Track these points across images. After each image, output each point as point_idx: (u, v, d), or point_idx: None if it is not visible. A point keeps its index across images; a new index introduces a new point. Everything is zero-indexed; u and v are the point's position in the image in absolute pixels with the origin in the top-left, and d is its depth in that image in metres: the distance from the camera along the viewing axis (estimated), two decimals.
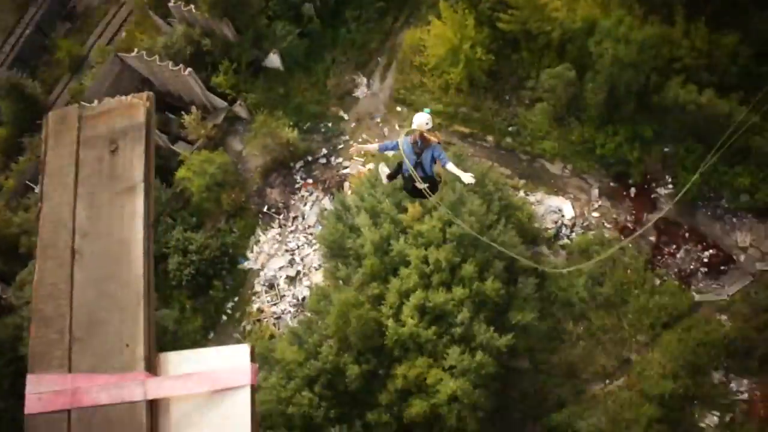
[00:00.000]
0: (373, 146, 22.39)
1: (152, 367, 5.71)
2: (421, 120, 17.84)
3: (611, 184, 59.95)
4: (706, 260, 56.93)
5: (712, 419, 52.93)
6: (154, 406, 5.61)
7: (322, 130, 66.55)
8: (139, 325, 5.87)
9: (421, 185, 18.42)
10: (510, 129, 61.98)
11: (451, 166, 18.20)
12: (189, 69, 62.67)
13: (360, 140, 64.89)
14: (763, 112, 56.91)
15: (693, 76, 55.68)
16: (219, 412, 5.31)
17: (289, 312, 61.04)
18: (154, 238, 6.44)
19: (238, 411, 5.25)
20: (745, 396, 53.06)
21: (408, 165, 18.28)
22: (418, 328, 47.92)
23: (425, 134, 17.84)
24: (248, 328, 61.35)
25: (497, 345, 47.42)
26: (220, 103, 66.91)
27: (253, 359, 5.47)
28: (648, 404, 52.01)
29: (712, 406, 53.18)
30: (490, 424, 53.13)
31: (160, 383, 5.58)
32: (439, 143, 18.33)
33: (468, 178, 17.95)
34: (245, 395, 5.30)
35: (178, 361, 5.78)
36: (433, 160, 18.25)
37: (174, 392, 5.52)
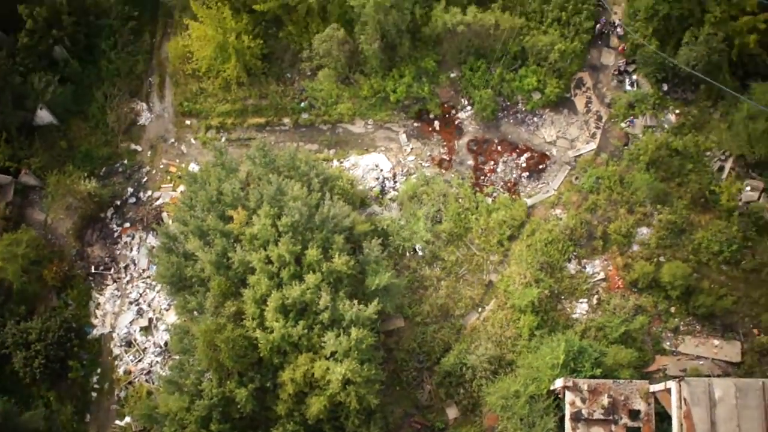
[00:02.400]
0: None
1: None
2: None
3: (415, 124, 62.10)
4: (524, 165, 60.51)
5: (582, 307, 57.11)
6: None
7: (120, 169, 64.32)
8: None
9: None
10: (302, 105, 62.61)
11: None
12: None
13: (161, 165, 63.89)
14: (526, 14, 61.07)
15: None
16: None
17: (157, 362, 59.32)
18: None
19: None
20: (602, 275, 57.52)
21: None
22: (286, 329, 47.88)
23: None
24: (122, 395, 59.09)
25: (366, 315, 48.28)
26: (3, 178, 62.99)
27: None
28: (523, 316, 55.28)
29: (578, 294, 57.34)
30: (390, 391, 54.70)
31: None
32: None
33: None
34: None
35: None
36: None
37: None
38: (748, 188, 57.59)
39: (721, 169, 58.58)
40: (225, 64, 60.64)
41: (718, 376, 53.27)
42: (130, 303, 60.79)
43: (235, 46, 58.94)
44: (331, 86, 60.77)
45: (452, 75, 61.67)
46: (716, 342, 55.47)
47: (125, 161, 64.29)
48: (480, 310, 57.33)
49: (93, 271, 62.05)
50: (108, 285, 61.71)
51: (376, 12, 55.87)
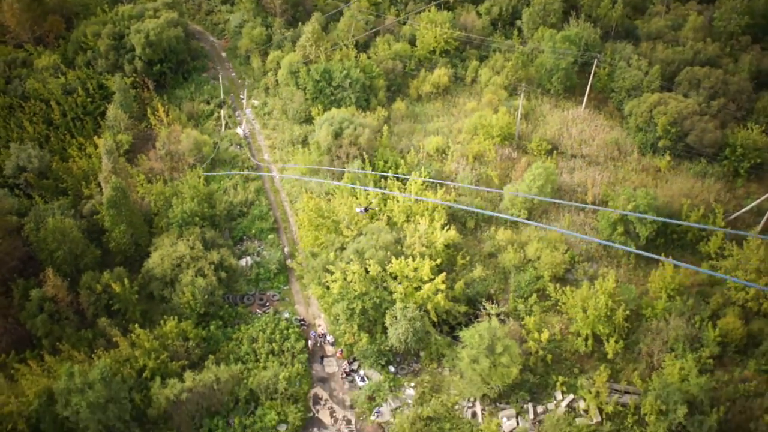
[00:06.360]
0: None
1: None
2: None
3: None
4: None
5: None
6: None
7: None
8: None
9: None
10: None
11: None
12: None
13: None
14: (240, 358, 65.67)
15: None
16: None
17: None
18: None
19: None
20: None
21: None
22: None
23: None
24: None
25: None
26: None
27: None
28: None
29: None
30: None
31: None
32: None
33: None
34: None
35: None
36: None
37: None
38: (505, 419, 62.36)
39: (474, 414, 63.14)
40: None
41: None
42: None
43: None
44: None
45: None
46: None
47: None
48: None
49: None
50: None
51: (93, 413, 56.69)
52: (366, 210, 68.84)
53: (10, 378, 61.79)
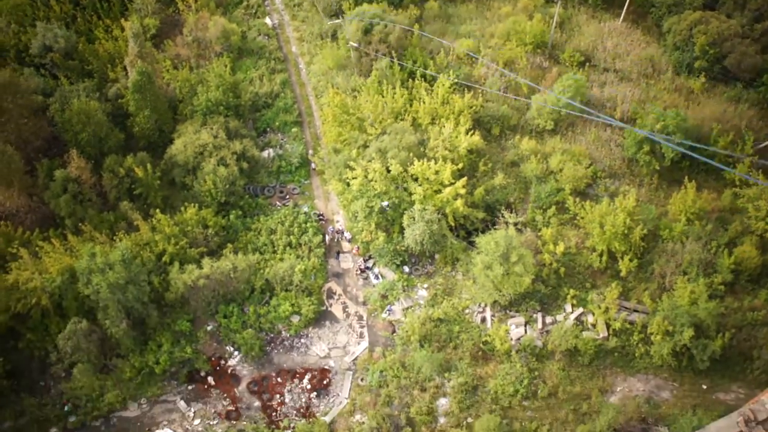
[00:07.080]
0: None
1: None
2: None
3: (189, 387, 62.57)
4: (309, 387, 62.51)
5: None
6: None
7: None
8: None
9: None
10: (66, 409, 60.31)
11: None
12: None
13: None
14: (258, 249, 67.05)
15: None
16: None
17: None
18: None
19: None
20: None
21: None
22: None
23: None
24: None
25: None
26: None
27: None
28: None
29: None
30: None
31: None
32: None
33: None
34: None
35: None
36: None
37: None
38: (513, 326, 63.73)
39: (483, 320, 64.61)
40: None
41: None
42: None
43: None
44: (90, 380, 60.24)
45: (209, 328, 64.45)
46: None
47: None
48: None
49: None
50: None
51: (113, 293, 58.54)
52: (388, 206, 67.38)
53: (34, 255, 63.43)
